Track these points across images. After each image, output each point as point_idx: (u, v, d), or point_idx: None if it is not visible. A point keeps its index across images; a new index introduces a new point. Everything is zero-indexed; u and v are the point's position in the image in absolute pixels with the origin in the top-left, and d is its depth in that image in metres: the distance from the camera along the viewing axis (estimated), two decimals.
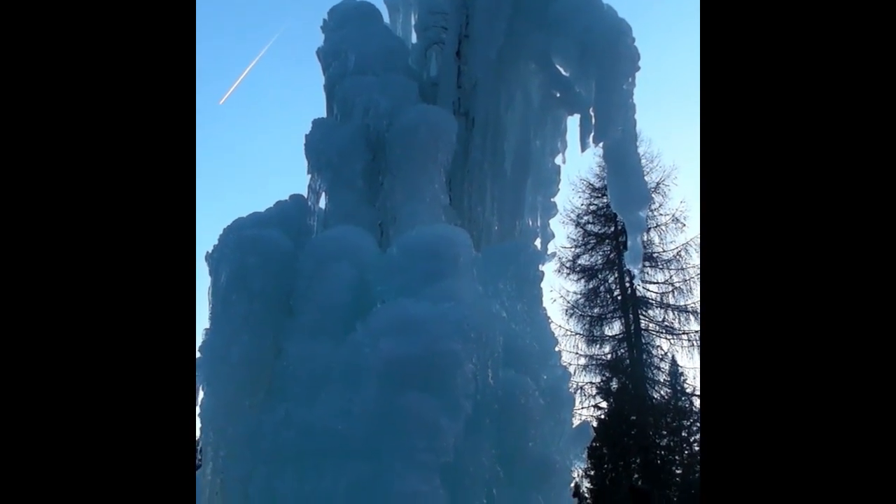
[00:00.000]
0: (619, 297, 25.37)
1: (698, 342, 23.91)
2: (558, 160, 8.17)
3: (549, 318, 6.73)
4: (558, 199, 8.39)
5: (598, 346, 25.46)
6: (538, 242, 7.97)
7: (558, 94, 7.85)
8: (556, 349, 6.42)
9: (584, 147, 7.36)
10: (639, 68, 7.20)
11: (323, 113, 7.80)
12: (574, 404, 6.66)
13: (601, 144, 7.10)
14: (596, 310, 25.66)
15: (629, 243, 7.28)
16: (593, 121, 7.15)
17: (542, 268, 6.82)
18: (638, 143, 7.28)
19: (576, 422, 6.80)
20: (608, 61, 7.11)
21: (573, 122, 7.72)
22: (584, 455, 6.37)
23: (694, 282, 24.81)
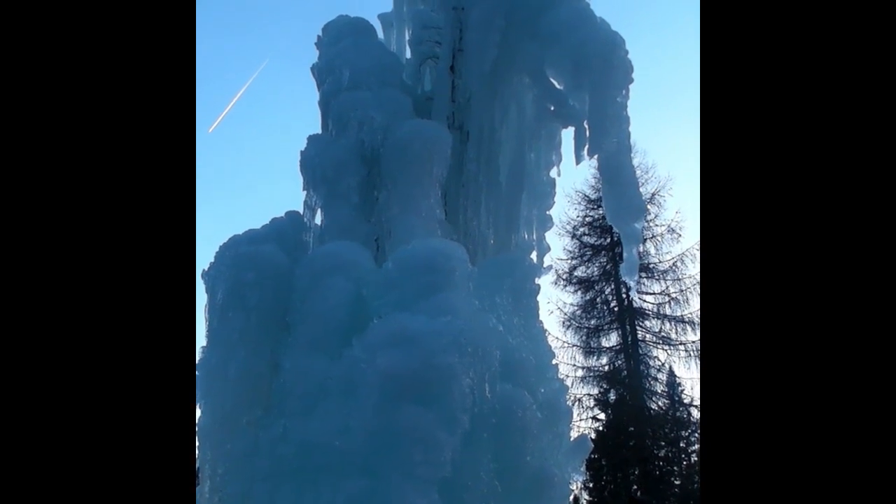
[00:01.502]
0: (616, 309, 25.38)
1: (696, 352, 23.95)
2: (553, 173, 8.19)
3: (546, 330, 6.73)
4: (554, 212, 8.41)
5: (595, 357, 25.45)
6: (534, 255, 7.97)
7: (552, 107, 7.87)
8: (553, 362, 6.41)
9: (578, 159, 7.37)
10: (632, 80, 7.22)
11: (317, 129, 7.83)
12: (572, 417, 6.63)
13: (596, 157, 7.12)
14: (593, 321, 25.66)
15: (625, 255, 7.27)
16: (588, 133, 7.16)
17: (538, 280, 6.83)
18: (632, 155, 7.31)
19: (574, 434, 6.78)
20: (602, 74, 7.13)
21: (568, 135, 7.76)
22: (583, 468, 6.35)
23: (690, 292, 24.85)
